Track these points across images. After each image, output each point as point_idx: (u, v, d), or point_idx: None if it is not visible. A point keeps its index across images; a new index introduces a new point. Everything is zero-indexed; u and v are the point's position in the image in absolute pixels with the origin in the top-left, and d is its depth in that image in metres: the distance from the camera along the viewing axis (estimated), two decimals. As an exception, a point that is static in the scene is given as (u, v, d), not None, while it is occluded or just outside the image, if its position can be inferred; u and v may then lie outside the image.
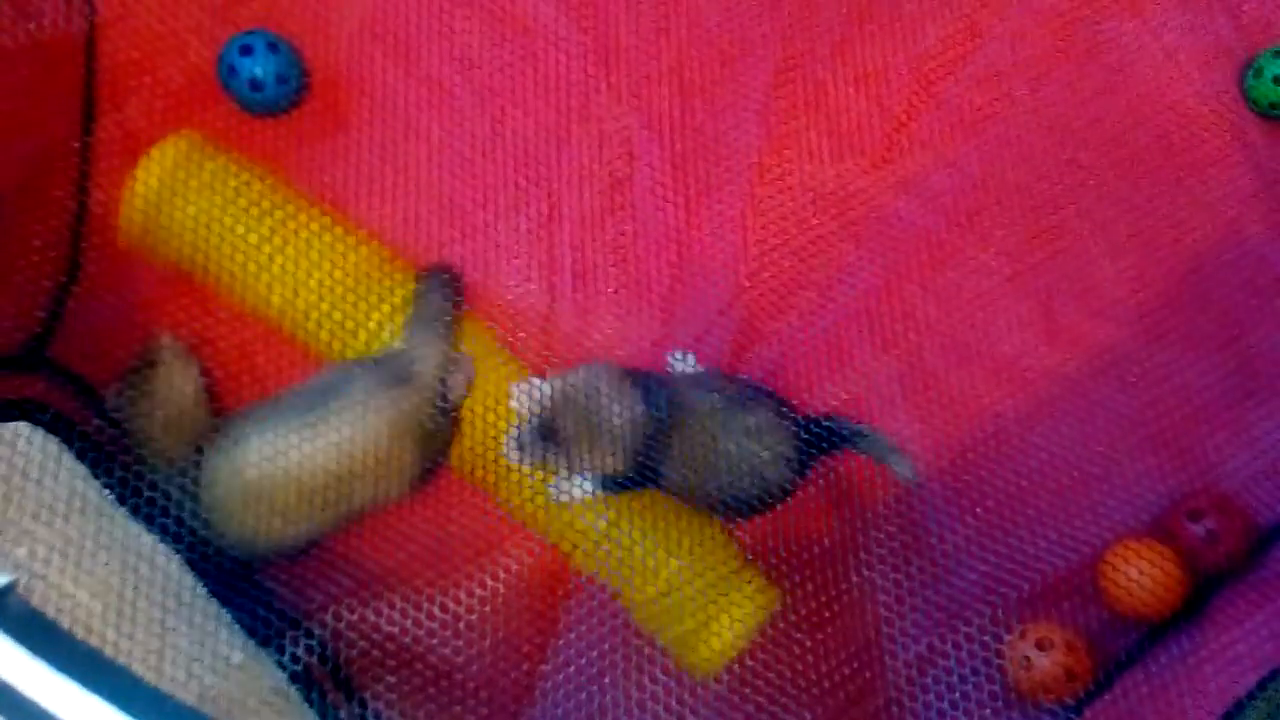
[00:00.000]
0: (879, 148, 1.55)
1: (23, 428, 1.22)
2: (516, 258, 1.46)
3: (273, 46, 1.45)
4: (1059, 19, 1.63)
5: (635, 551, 1.33)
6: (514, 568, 1.30)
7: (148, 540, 1.22)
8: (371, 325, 1.38)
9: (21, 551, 1.12)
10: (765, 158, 1.53)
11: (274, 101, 1.46)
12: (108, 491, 1.25)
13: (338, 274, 1.38)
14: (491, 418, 1.36)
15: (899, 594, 1.37)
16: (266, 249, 1.37)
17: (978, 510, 1.42)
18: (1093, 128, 1.59)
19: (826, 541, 1.36)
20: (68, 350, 1.33)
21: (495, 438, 1.35)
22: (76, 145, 1.43)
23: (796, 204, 1.53)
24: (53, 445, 1.23)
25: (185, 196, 1.37)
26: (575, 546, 1.34)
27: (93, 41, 1.45)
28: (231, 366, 1.40)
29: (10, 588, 1.01)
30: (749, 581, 1.34)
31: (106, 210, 1.42)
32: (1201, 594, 1.39)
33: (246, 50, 1.44)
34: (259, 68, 1.43)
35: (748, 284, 1.49)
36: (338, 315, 1.37)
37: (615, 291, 1.47)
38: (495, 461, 1.35)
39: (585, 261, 1.47)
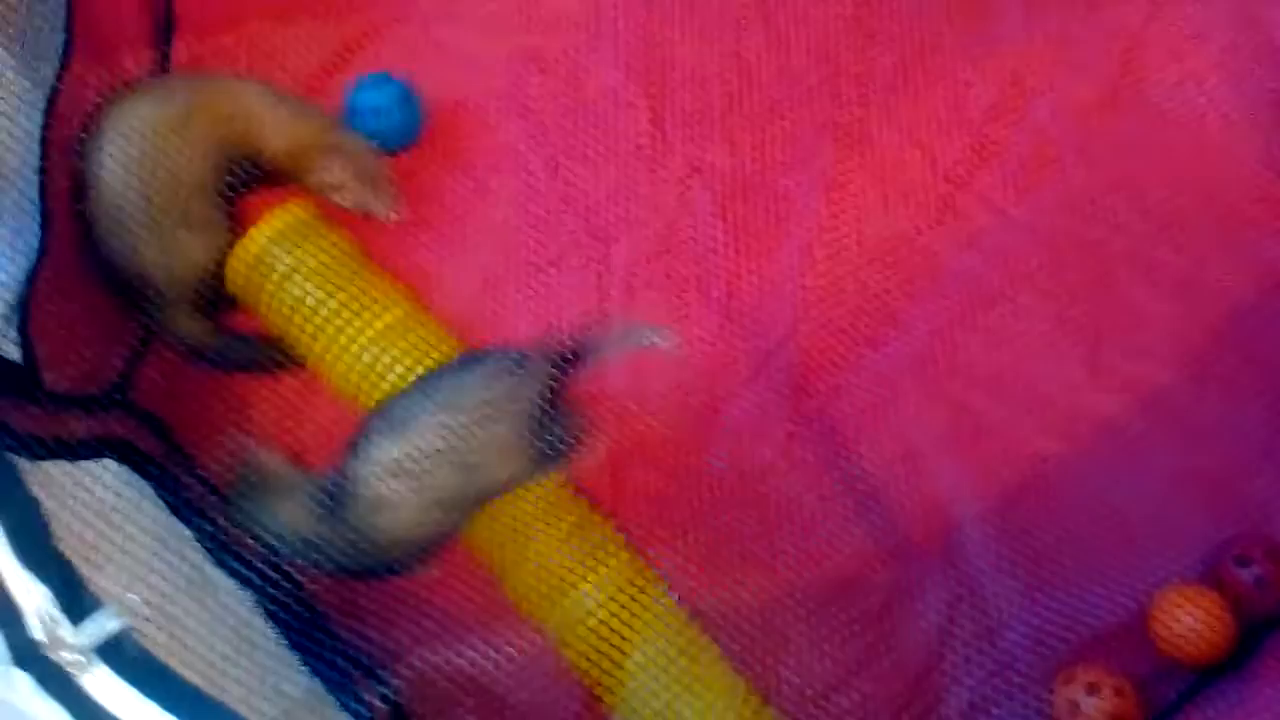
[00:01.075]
0: (928, 199, 1.59)
1: (108, 465, 1.29)
2: (573, 305, 1.51)
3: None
4: (1104, 73, 1.66)
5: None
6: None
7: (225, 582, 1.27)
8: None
9: (134, 597, 1.17)
10: (816, 208, 1.58)
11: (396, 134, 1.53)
12: (186, 529, 1.32)
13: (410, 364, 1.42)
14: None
15: (948, 642, 1.40)
16: (349, 331, 1.42)
17: (1027, 555, 1.43)
18: (1140, 176, 1.61)
19: (874, 591, 1.38)
20: (149, 391, 1.40)
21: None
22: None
23: (847, 254, 1.57)
24: (136, 483, 1.30)
25: (286, 263, 1.44)
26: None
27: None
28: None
29: (125, 632, 1.06)
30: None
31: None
32: (1251, 640, 1.39)
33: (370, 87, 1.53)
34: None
35: (798, 332, 1.52)
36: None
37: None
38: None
39: (637, 310, 1.52)
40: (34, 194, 1.33)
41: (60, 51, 1.36)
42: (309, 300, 1.42)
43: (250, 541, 1.29)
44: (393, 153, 1.54)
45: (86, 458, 1.27)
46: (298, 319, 1.43)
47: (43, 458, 1.20)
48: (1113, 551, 1.45)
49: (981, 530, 1.45)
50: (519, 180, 1.59)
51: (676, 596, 1.36)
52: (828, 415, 1.49)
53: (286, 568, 1.27)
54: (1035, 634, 1.41)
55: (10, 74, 1.37)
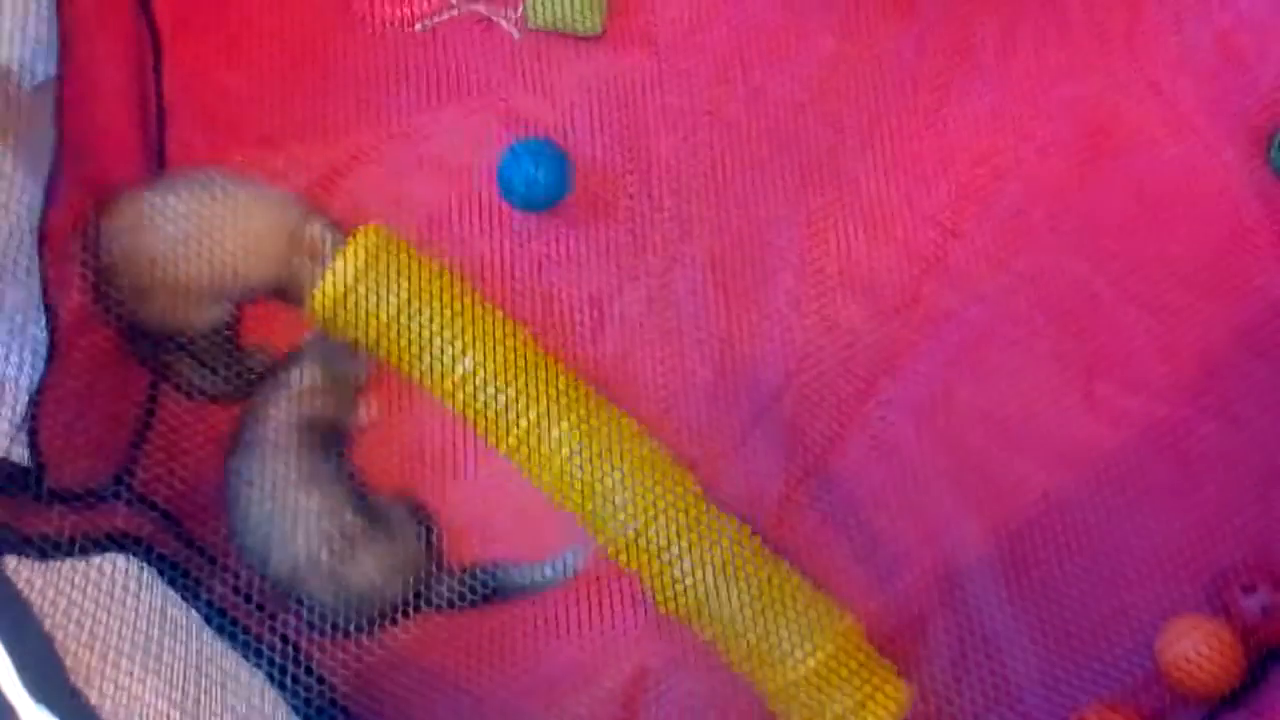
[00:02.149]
0: (913, 242, 1.60)
1: (115, 559, 1.30)
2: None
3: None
4: (1082, 103, 1.66)
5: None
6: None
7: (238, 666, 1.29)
8: (532, 416, 1.42)
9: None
10: (802, 256, 1.59)
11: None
12: (195, 614, 1.33)
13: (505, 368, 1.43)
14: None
15: (955, 680, 1.41)
16: (450, 349, 1.42)
17: (1033, 593, 1.44)
18: (1127, 208, 1.62)
19: (880, 639, 1.39)
20: (152, 481, 1.41)
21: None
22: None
23: (834, 297, 1.58)
24: (145, 574, 1.31)
25: (378, 283, 1.43)
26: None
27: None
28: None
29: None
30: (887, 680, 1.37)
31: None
32: (1260, 669, 1.39)
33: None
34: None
35: (791, 379, 1.53)
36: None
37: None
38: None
39: (629, 370, 1.53)
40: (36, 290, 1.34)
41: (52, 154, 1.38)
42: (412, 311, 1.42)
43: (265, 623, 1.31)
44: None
45: (94, 552, 1.28)
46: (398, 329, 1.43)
47: (50, 557, 1.21)
48: (1118, 585, 1.45)
49: (986, 570, 1.46)
50: (511, 241, 1.60)
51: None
52: (826, 464, 1.50)
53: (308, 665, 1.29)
54: (1045, 672, 1.42)
55: (8, 168, 1.39)
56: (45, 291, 1.33)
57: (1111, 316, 1.57)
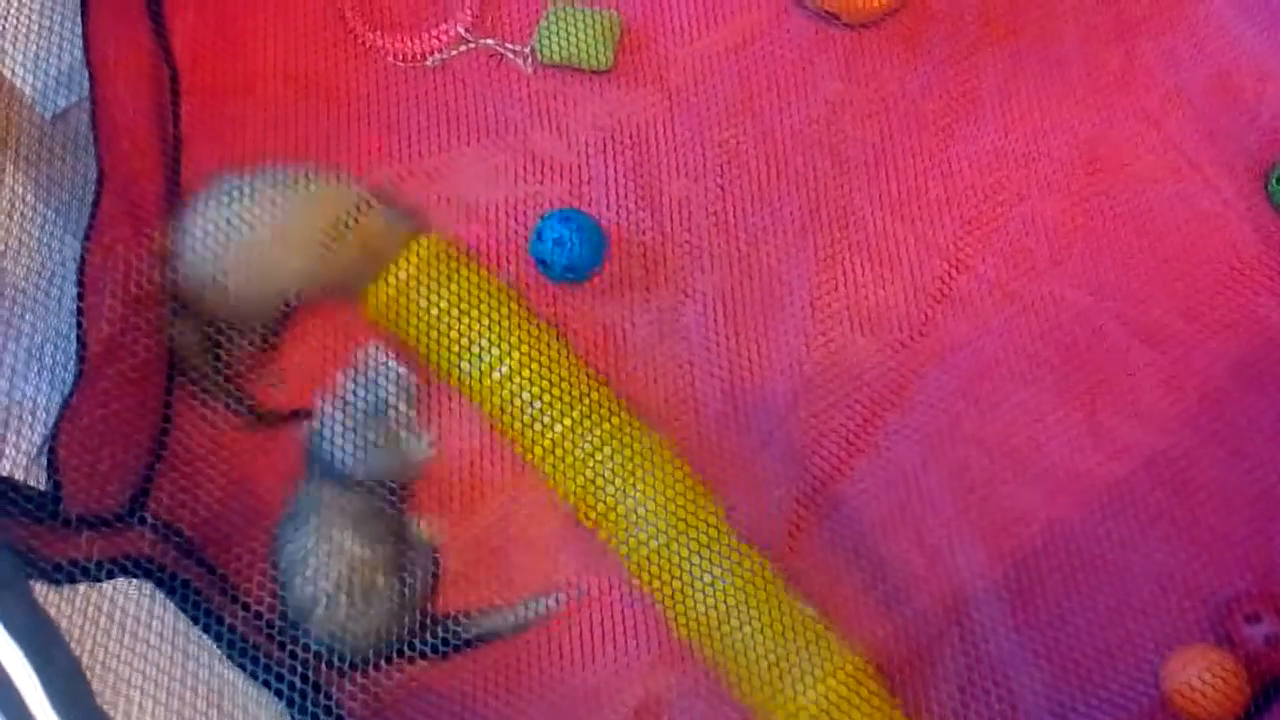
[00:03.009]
0: (919, 273, 1.63)
1: (130, 583, 1.31)
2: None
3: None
4: (1082, 136, 1.71)
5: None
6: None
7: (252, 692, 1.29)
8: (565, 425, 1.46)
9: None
10: (811, 288, 1.62)
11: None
12: (206, 638, 1.33)
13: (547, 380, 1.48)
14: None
15: (963, 706, 1.41)
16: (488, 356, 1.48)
17: (1039, 622, 1.46)
18: (1127, 240, 1.66)
19: (889, 669, 1.40)
20: (167, 506, 1.42)
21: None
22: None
23: (842, 329, 1.61)
24: (158, 599, 1.31)
25: (428, 290, 1.50)
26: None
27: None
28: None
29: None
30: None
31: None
32: (1264, 697, 1.41)
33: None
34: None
35: (798, 409, 1.55)
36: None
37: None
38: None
39: (639, 398, 1.55)
40: (58, 323, 1.35)
41: (95, 182, 1.40)
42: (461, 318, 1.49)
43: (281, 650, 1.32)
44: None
45: (110, 577, 1.29)
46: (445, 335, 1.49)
47: (67, 582, 1.22)
48: (1123, 614, 1.47)
49: (993, 599, 1.47)
50: (527, 275, 1.62)
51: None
52: (832, 492, 1.52)
53: (315, 677, 1.29)
54: (1052, 700, 1.43)
55: (30, 198, 1.41)
56: (79, 320, 1.34)
57: (1114, 348, 1.60)
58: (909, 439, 1.55)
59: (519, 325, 1.50)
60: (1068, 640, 1.46)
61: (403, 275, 1.50)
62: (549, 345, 1.50)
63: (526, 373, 1.47)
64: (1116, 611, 1.47)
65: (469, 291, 1.51)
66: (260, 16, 1.73)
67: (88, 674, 1.14)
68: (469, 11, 1.75)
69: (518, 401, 1.46)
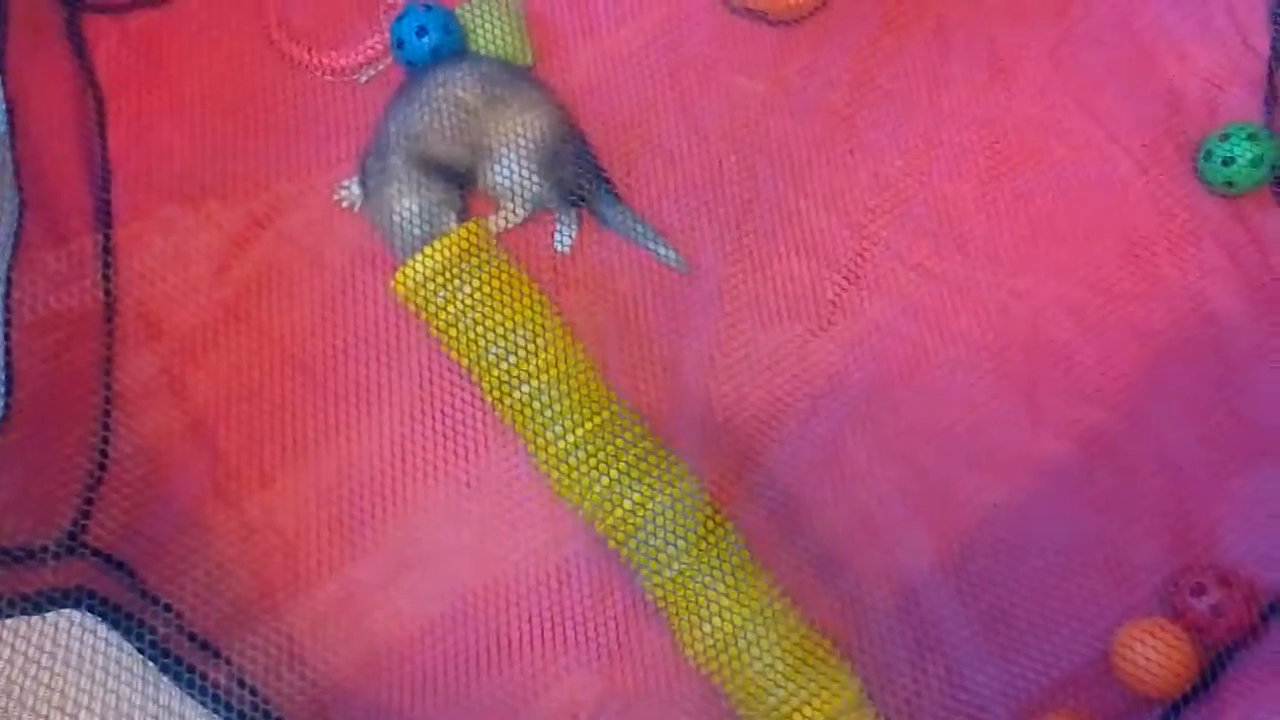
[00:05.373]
0: (851, 261, 1.64)
1: (71, 615, 1.29)
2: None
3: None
4: (1012, 123, 1.72)
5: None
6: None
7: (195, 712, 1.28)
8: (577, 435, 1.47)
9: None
10: (742, 278, 1.63)
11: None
12: (153, 666, 1.32)
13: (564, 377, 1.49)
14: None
15: (916, 694, 1.42)
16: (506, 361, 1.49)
17: (987, 604, 1.46)
18: (1058, 222, 1.67)
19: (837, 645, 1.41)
20: (106, 533, 1.40)
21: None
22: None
23: (777, 317, 1.61)
24: (101, 629, 1.30)
25: (459, 278, 1.51)
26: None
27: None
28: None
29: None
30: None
31: (133, 391, 1.53)
32: (1213, 670, 1.42)
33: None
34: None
35: (737, 401, 1.56)
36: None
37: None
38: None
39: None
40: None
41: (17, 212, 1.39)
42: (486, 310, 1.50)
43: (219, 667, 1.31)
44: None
45: (49, 609, 1.28)
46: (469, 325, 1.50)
47: (6, 616, 1.21)
48: (1070, 593, 1.47)
49: (941, 584, 1.48)
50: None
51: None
52: (777, 485, 1.52)
53: (264, 705, 1.28)
54: (1005, 682, 1.43)
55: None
56: (7, 351, 1.33)
57: (1049, 329, 1.61)
58: (849, 426, 1.55)
59: (540, 331, 1.51)
60: (1018, 621, 1.46)
61: (432, 263, 1.51)
62: (570, 354, 1.51)
63: (544, 379, 1.48)
64: (1065, 590, 1.47)
65: (494, 288, 1.51)
66: (185, 40, 1.73)
67: (33, 702, 1.14)
68: (395, 23, 1.75)
69: (531, 408, 1.47)
